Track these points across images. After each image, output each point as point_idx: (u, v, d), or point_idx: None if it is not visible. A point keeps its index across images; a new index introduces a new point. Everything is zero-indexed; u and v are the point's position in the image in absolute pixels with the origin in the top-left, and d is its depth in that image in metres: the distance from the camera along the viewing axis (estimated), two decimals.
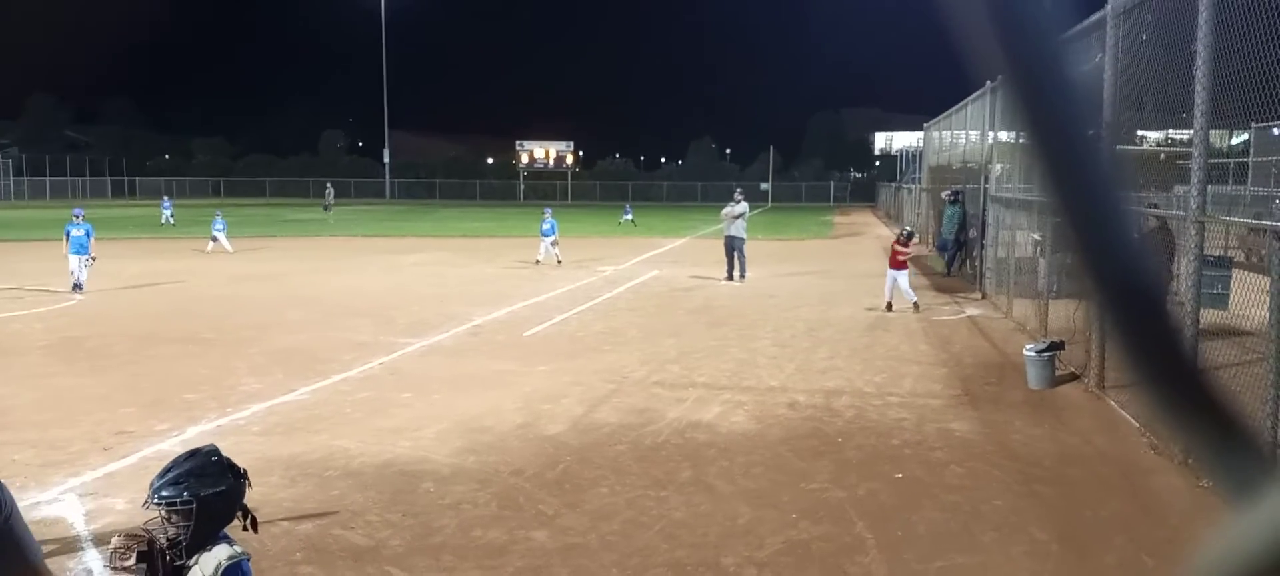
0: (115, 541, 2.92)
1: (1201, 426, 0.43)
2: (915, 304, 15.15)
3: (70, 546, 5.66)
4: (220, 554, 2.95)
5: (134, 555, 2.87)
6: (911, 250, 16.39)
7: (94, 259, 17.20)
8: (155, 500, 2.93)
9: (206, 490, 2.94)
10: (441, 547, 5.62)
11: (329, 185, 53.80)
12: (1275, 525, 0.39)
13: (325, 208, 46.66)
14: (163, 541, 2.92)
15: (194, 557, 2.94)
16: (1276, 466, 0.42)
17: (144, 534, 2.93)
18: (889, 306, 15.15)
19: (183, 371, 10.41)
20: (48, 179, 76.79)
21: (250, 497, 3.15)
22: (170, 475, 2.97)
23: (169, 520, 2.94)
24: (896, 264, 15.43)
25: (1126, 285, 0.43)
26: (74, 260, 16.99)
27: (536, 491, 6.58)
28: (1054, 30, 0.43)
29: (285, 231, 36.54)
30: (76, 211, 17.85)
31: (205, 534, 2.96)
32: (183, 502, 2.91)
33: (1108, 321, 0.43)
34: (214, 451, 3.10)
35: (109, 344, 12.12)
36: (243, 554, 3.01)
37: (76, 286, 16.79)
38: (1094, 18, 9.49)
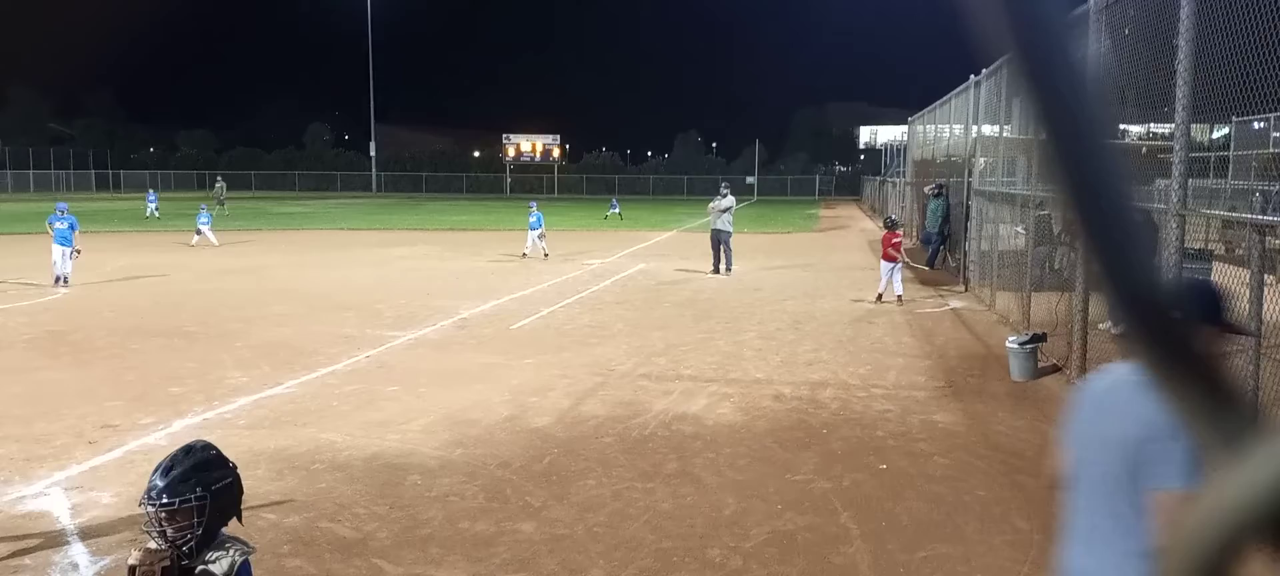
0: (133, 558, 2.78)
1: (1198, 396, 0.45)
2: (899, 297, 15.23)
3: (55, 540, 5.64)
4: (233, 554, 2.87)
5: (158, 572, 2.75)
6: (901, 239, 16.35)
7: (78, 252, 17.13)
8: (163, 501, 2.78)
9: (217, 483, 2.86)
10: (428, 539, 5.64)
11: (219, 179, 52.28)
12: (1258, 479, 0.41)
13: (220, 202, 45.99)
14: (181, 556, 2.80)
15: (208, 558, 2.83)
16: (1258, 426, 0.44)
17: (166, 548, 2.79)
18: (897, 299, 15.20)
19: (168, 365, 10.38)
20: (31, 172, 76.19)
21: None
22: (174, 472, 2.83)
23: (171, 521, 2.79)
24: (890, 255, 15.49)
25: (1134, 271, 0.45)
26: (57, 251, 16.92)
27: (524, 483, 6.60)
28: (1060, 11, 0.43)
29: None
30: (60, 205, 17.82)
31: (216, 529, 2.88)
32: (197, 498, 2.79)
33: (1115, 305, 0.45)
34: (209, 445, 3.01)
35: (93, 337, 12.06)
36: (250, 548, 2.96)
37: (60, 279, 16.73)
38: (1077, 11, 9.56)
